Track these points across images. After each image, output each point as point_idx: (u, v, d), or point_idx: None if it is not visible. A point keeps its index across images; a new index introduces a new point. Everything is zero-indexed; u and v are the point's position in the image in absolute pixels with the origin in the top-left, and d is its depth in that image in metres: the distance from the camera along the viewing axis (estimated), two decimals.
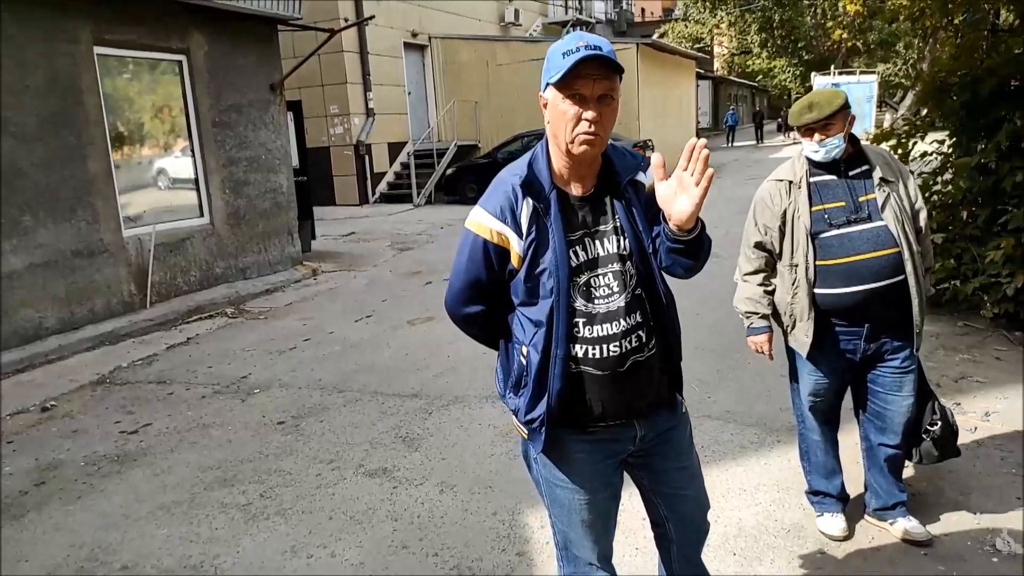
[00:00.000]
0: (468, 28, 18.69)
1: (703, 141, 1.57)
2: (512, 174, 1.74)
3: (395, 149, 16.56)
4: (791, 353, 2.82)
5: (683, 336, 1.89)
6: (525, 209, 1.69)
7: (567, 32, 24.80)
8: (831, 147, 2.54)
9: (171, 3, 7.10)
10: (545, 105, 1.67)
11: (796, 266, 2.61)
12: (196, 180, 7.75)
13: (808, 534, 2.91)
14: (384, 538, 3.08)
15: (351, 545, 3.04)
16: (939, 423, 2.77)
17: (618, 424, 1.81)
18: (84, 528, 3.30)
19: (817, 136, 2.53)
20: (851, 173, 2.60)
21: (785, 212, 2.63)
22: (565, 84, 1.59)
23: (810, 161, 2.63)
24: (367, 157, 15.62)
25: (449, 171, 15.72)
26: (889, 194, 2.55)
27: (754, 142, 30.55)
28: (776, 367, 4.27)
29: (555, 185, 1.72)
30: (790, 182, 2.64)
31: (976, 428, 3.68)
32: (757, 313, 2.78)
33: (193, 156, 7.70)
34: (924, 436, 2.79)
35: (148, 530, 3.25)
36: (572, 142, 1.63)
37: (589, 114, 1.60)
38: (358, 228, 12.46)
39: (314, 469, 3.75)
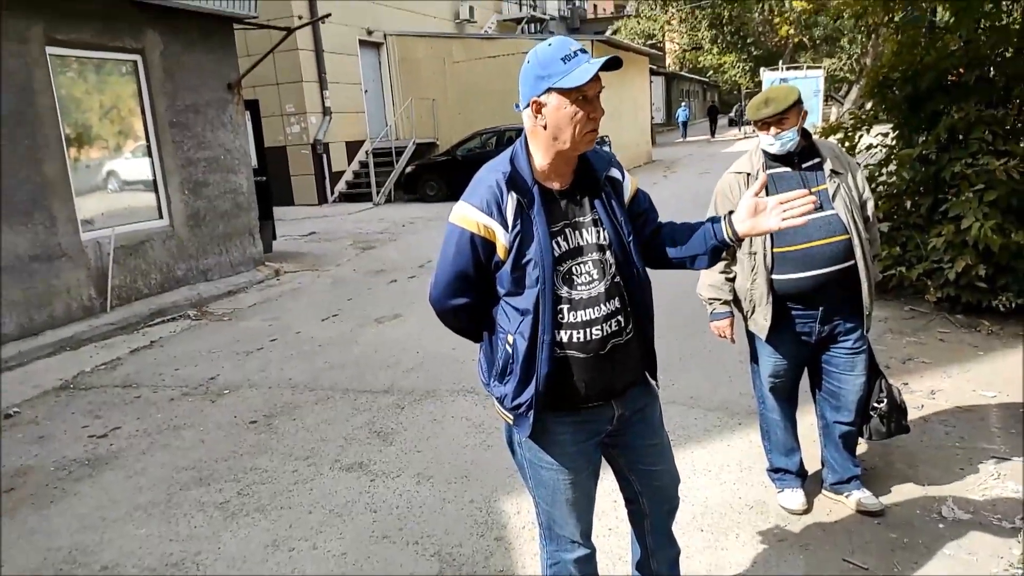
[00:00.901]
0: (423, 25, 18.67)
1: (814, 197, 1.85)
2: (495, 171, 1.83)
3: (353, 148, 16.47)
4: (751, 337, 2.98)
5: (652, 332, 2.02)
6: (510, 203, 1.79)
7: (528, 28, 24.92)
8: (786, 140, 2.69)
9: (123, 1, 6.98)
10: (539, 109, 1.75)
11: (755, 254, 2.76)
12: (154, 181, 7.65)
13: (770, 509, 3.07)
14: (364, 529, 3.15)
15: (332, 537, 3.10)
16: (885, 400, 2.94)
17: (598, 405, 1.93)
18: (60, 531, 3.30)
19: (773, 130, 2.68)
20: (804, 165, 2.75)
21: None
22: (576, 88, 1.71)
23: (766, 154, 2.78)
24: (325, 156, 15.51)
25: (408, 169, 15.69)
26: (839, 185, 2.72)
27: (708, 136, 31.16)
28: (734, 353, 4.45)
29: (536, 180, 1.83)
30: (748, 174, 2.79)
31: (923, 406, 3.90)
32: (719, 299, 2.93)
33: (151, 157, 7.59)
34: (872, 413, 2.97)
35: (126, 530, 3.26)
36: (581, 140, 1.77)
37: (597, 113, 1.76)
38: (318, 228, 12.39)
39: (290, 466, 3.79)
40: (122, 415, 4.66)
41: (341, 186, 16.14)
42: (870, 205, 2.85)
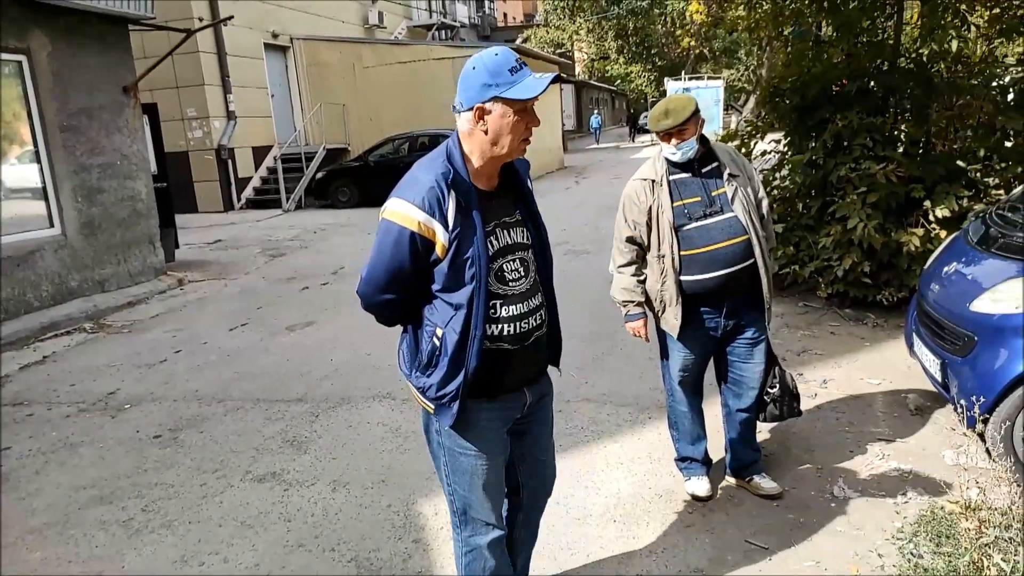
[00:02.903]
0: (331, 30, 18.36)
1: None
2: (433, 170, 1.86)
3: (260, 153, 16.00)
4: (662, 335, 3.10)
5: (560, 326, 2.15)
6: (452, 203, 1.83)
7: (438, 35, 24.88)
8: (687, 149, 2.83)
9: None
10: (482, 115, 1.81)
11: (663, 256, 2.88)
12: (44, 189, 7.21)
13: (678, 496, 3.20)
14: (279, 539, 3.08)
15: (245, 549, 3.03)
16: (777, 385, 3.12)
17: (515, 392, 2.04)
18: None
19: (674, 140, 2.82)
20: (704, 171, 2.90)
21: (651, 208, 2.89)
22: (522, 100, 1.79)
23: (669, 161, 2.91)
24: (230, 162, 14.99)
25: (319, 175, 15.38)
26: (737, 188, 2.88)
27: (620, 143, 32.04)
28: (643, 352, 4.62)
29: (470, 182, 1.89)
30: (653, 181, 2.91)
31: (816, 394, 4.15)
32: (633, 301, 3.03)
33: (39, 163, 7.15)
34: (765, 398, 3.15)
35: (18, 556, 3.08)
36: (517, 147, 1.86)
37: (534, 123, 1.85)
38: (225, 236, 11.98)
39: (198, 479, 3.66)
40: (12, 435, 4.38)
41: (248, 193, 15.64)
42: (765, 203, 3.03)
